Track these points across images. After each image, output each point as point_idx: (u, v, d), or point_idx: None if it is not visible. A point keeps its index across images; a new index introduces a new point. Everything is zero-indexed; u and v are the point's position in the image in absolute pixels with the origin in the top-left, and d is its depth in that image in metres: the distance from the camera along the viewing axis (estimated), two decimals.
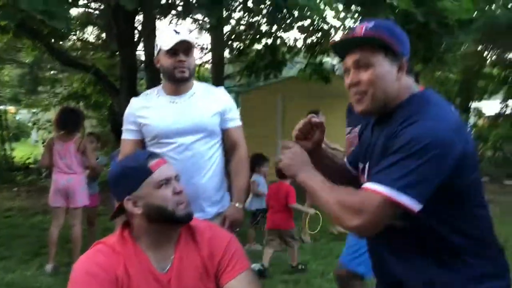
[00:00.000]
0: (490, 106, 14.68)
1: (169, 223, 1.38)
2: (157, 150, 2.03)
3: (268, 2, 5.68)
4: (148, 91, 2.25)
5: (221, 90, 2.25)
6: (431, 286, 1.23)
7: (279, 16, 5.55)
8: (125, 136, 2.16)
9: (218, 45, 9.55)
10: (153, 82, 10.50)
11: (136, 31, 9.26)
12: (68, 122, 4.19)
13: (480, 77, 14.85)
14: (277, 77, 8.71)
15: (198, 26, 6.84)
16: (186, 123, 2.06)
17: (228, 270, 1.39)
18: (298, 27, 7.15)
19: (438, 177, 1.12)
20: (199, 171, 2.07)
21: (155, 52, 2.13)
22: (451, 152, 1.12)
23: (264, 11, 6.09)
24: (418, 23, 5.81)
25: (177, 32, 2.05)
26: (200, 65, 16.81)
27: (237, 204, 2.16)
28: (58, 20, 4.06)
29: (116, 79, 12.00)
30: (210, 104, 2.13)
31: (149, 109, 2.11)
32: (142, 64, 9.88)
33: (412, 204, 1.12)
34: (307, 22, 6.74)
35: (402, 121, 1.19)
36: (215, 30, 10.09)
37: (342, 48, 1.31)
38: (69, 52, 10.25)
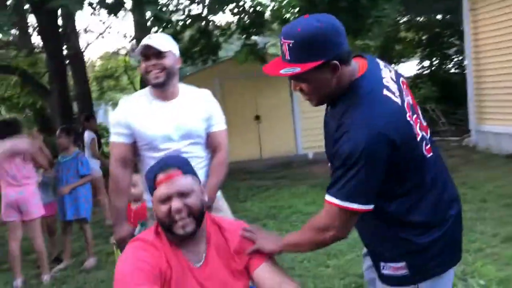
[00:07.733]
0: (408, 68, 15.70)
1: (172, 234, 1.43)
2: (151, 154, 2.07)
3: None
4: (137, 94, 2.22)
5: (206, 93, 2.25)
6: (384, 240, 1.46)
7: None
8: (116, 139, 2.11)
9: (142, 31, 9.12)
10: (78, 78, 9.97)
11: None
12: (6, 136, 3.90)
13: (397, 42, 15.86)
14: (215, 62, 8.62)
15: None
16: (177, 130, 2.08)
17: (254, 258, 1.50)
18: (230, 10, 7.15)
19: (376, 178, 1.30)
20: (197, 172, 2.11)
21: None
22: (380, 157, 1.27)
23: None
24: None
25: (149, 38, 2.05)
26: (127, 53, 16.15)
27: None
28: None
29: (40, 77, 11.25)
30: (198, 110, 2.15)
31: (140, 115, 2.09)
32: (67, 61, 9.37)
33: (365, 207, 1.32)
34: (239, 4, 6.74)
35: (339, 116, 1.33)
36: (137, 15, 9.72)
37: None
38: None
